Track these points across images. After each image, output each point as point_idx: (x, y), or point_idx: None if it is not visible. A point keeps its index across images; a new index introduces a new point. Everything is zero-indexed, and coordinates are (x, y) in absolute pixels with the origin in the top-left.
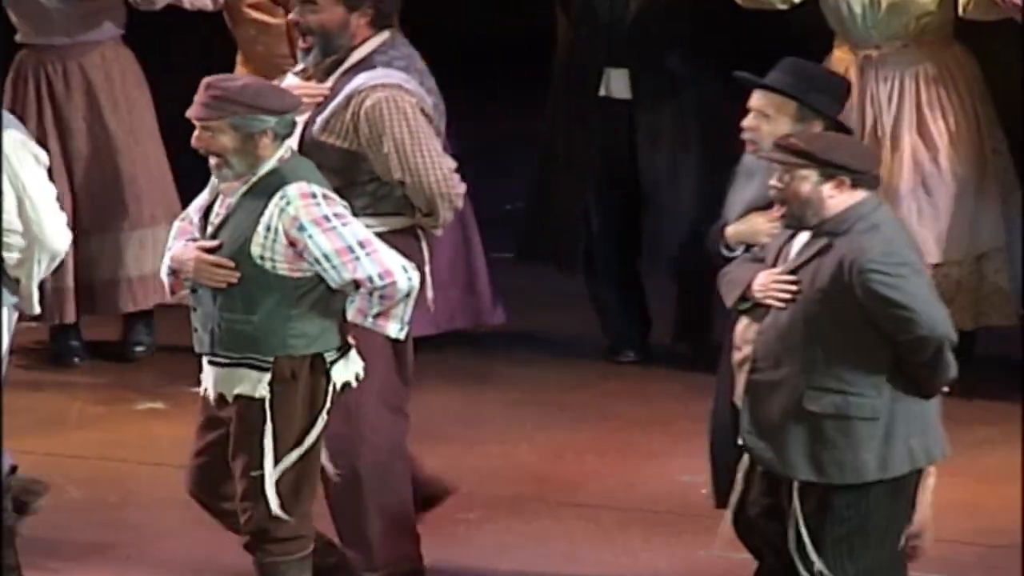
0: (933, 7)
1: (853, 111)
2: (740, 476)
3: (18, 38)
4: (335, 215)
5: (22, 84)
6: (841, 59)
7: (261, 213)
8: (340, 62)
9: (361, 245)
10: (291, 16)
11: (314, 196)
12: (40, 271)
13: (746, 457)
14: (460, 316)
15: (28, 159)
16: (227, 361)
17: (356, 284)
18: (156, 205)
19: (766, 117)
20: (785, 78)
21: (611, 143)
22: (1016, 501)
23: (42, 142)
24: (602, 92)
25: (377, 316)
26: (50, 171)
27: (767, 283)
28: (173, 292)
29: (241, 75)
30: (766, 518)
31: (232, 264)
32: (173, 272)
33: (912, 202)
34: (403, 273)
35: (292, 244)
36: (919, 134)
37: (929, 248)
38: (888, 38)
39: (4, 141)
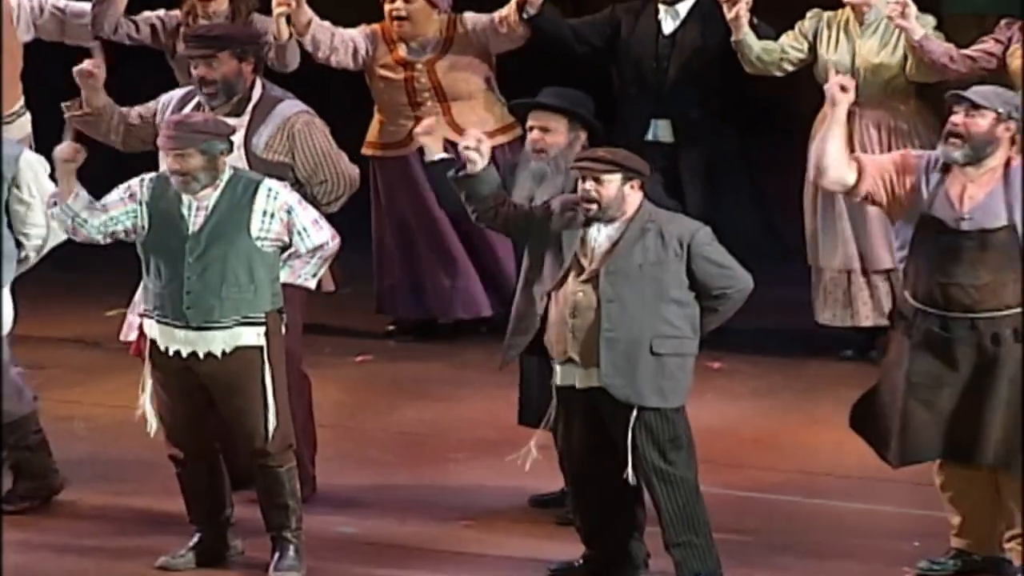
0: (899, 73)
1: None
2: (559, 421)
3: None
4: (301, 199)
5: None
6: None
7: (251, 202)
8: (248, 99)
9: (319, 217)
10: (196, 72)
11: (287, 188)
12: (44, 253)
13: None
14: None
15: (43, 171)
16: (230, 324)
17: (319, 247)
18: None
19: (548, 131)
20: (555, 99)
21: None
22: (839, 444)
23: None
24: (650, 137)
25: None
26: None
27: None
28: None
29: (197, 112)
30: (588, 449)
31: None
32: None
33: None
34: (337, 236)
35: (283, 223)
36: None
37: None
38: (867, 96)
39: (29, 157)
